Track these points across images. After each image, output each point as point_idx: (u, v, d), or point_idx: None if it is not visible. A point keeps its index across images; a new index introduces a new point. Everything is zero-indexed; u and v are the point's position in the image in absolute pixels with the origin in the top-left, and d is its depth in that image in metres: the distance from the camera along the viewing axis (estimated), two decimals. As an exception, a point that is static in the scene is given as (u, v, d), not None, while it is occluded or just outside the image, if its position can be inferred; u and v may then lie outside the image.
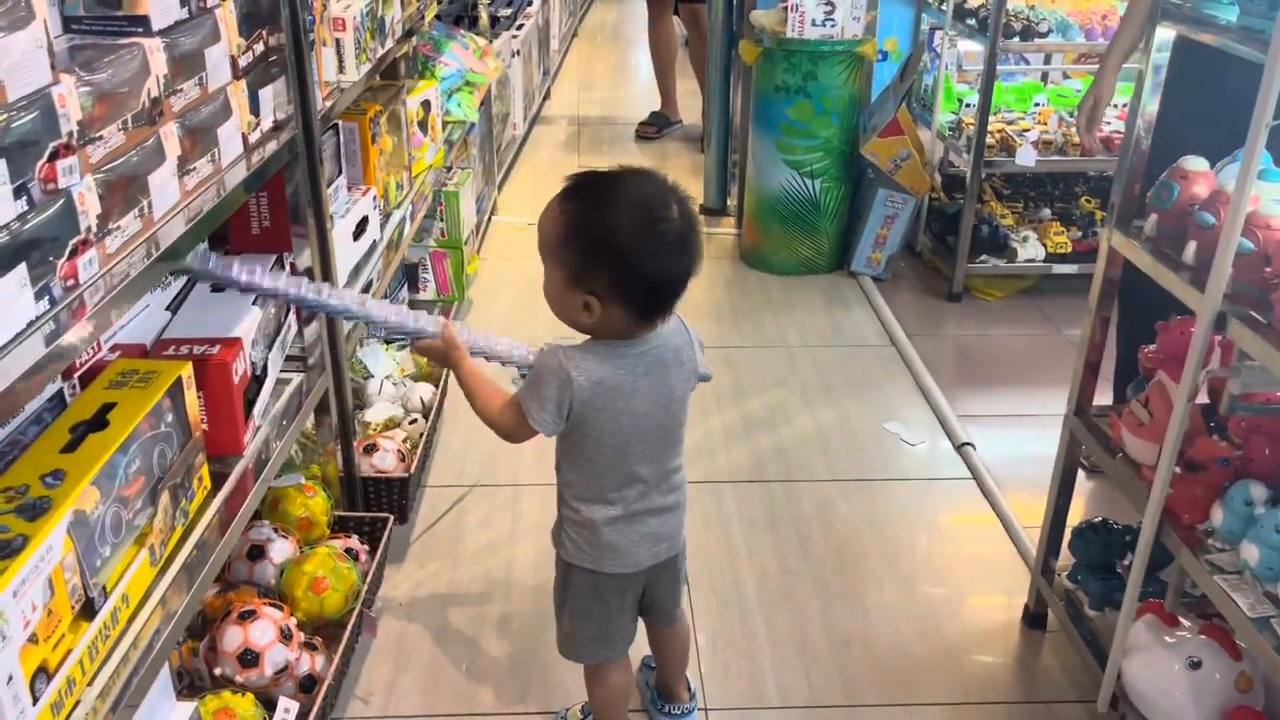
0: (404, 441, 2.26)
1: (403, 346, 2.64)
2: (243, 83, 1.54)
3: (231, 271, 1.52)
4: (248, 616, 1.57)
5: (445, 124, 3.32)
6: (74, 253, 1.11)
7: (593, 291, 1.45)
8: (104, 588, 1.23)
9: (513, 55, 4.76)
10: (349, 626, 1.70)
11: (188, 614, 1.34)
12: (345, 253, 2.17)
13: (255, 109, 1.59)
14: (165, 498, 1.36)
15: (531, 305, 3.38)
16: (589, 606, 1.63)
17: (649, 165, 1.96)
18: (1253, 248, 1.47)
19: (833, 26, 3.49)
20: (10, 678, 1.02)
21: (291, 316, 1.92)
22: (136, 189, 1.25)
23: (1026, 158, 3.42)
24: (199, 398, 1.51)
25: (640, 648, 1.82)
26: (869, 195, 3.70)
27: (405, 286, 3.16)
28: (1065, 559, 2.07)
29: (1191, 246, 1.60)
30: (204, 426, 1.54)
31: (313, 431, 2.10)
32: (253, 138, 1.59)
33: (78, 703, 1.16)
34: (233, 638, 1.56)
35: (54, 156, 1.06)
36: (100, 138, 1.16)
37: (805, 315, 3.51)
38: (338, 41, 1.96)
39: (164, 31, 1.32)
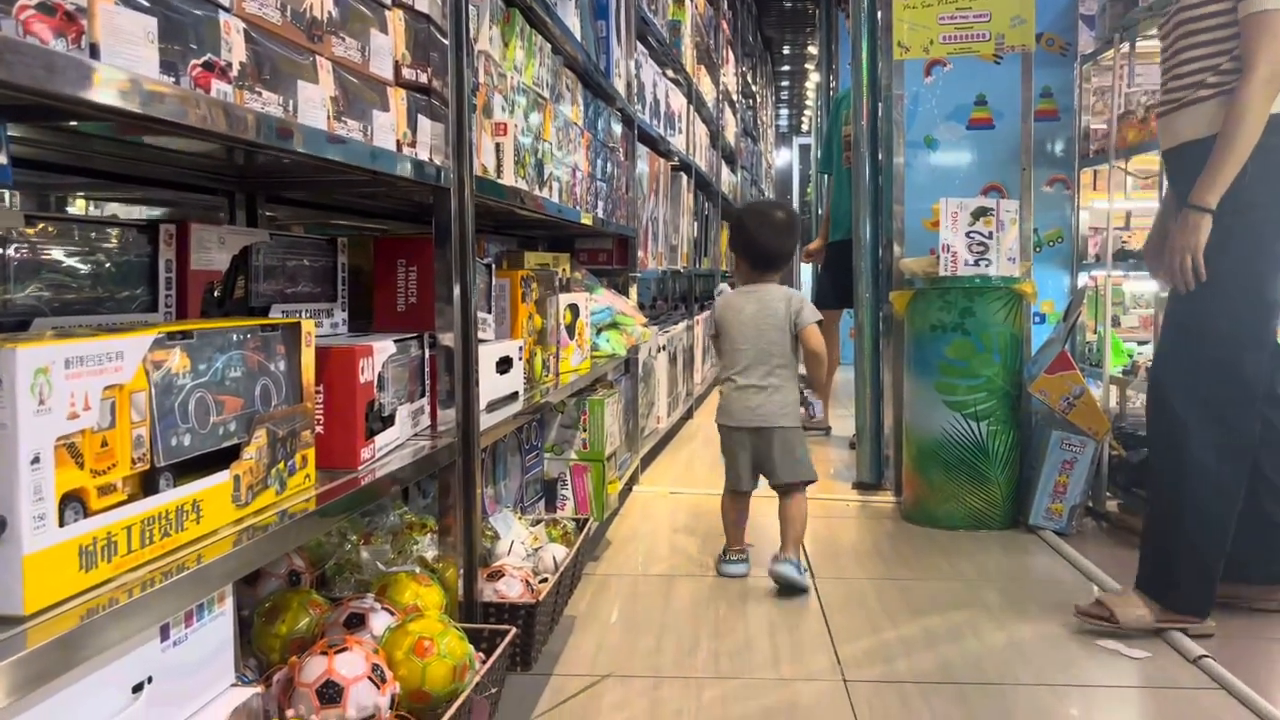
0: (535, 576, 1.97)
1: (536, 521, 2.42)
2: (402, 92, 1.53)
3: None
4: (336, 647, 1.27)
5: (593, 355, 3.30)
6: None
7: (738, 253, 2.99)
8: (173, 477, 1.02)
9: (659, 349, 4.85)
10: (453, 711, 1.36)
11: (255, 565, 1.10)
12: (487, 378, 2.05)
13: (412, 128, 1.57)
14: (262, 437, 1.16)
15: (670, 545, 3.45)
16: (725, 449, 2.93)
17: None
18: None
19: (987, 266, 3.43)
20: (37, 459, 0.80)
21: (425, 398, 1.78)
22: (283, 86, 1.19)
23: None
24: (318, 390, 1.36)
25: None
26: (1041, 439, 3.42)
27: (543, 501, 2.97)
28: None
29: None
30: (319, 426, 1.37)
31: (430, 560, 1.86)
32: (407, 150, 1.55)
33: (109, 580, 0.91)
34: (314, 668, 1.25)
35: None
36: (257, -6, 1.12)
37: (983, 558, 3.12)
38: (497, 146, 1.98)
39: (335, -25, 1.33)
